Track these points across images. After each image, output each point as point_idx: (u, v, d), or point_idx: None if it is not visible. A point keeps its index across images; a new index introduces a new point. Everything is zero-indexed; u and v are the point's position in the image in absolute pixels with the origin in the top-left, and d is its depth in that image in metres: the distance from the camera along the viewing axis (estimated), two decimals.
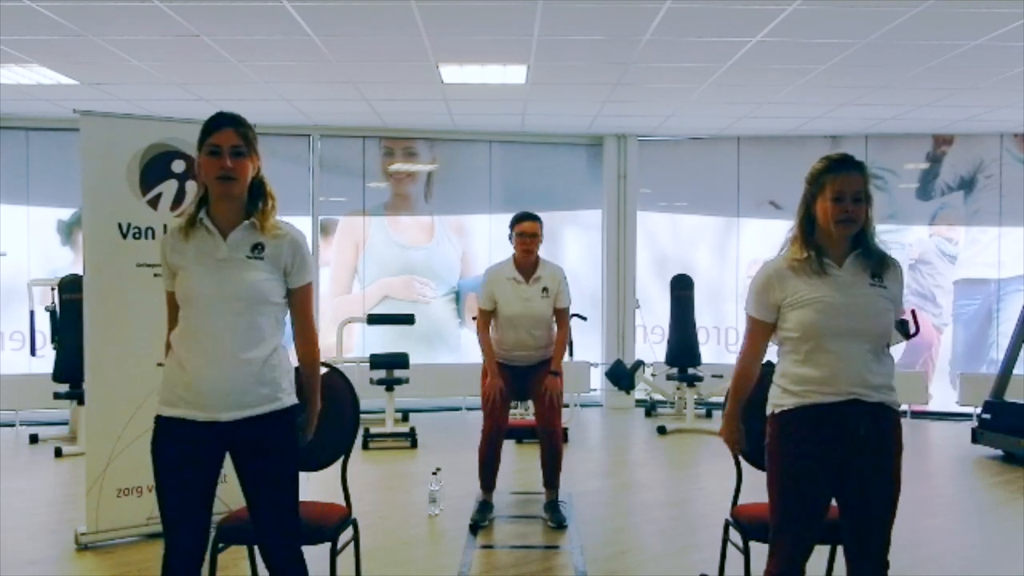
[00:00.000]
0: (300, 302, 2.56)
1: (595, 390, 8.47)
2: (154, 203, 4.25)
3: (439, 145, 8.62)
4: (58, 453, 6.23)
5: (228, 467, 2.51)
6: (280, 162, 8.13)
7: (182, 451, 2.41)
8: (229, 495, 2.68)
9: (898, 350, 2.52)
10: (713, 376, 7.72)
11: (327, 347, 7.95)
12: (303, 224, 8.28)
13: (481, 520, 4.48)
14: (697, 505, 5.11)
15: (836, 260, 2.49)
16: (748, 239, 8.73)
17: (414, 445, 6.66)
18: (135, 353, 4.08)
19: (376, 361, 7.04)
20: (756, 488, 2.84)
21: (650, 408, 8.17)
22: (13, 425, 7.26)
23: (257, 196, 2.50)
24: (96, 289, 4.11)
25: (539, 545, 4.25)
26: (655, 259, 8.90)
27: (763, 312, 2.57)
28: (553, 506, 4.56)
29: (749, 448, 2.83)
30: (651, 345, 8.53)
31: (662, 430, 7.26)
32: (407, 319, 7.37)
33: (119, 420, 4.11)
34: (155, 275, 4.19)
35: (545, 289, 4.45)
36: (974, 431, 6.42)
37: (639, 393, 8.30)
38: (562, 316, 4.54)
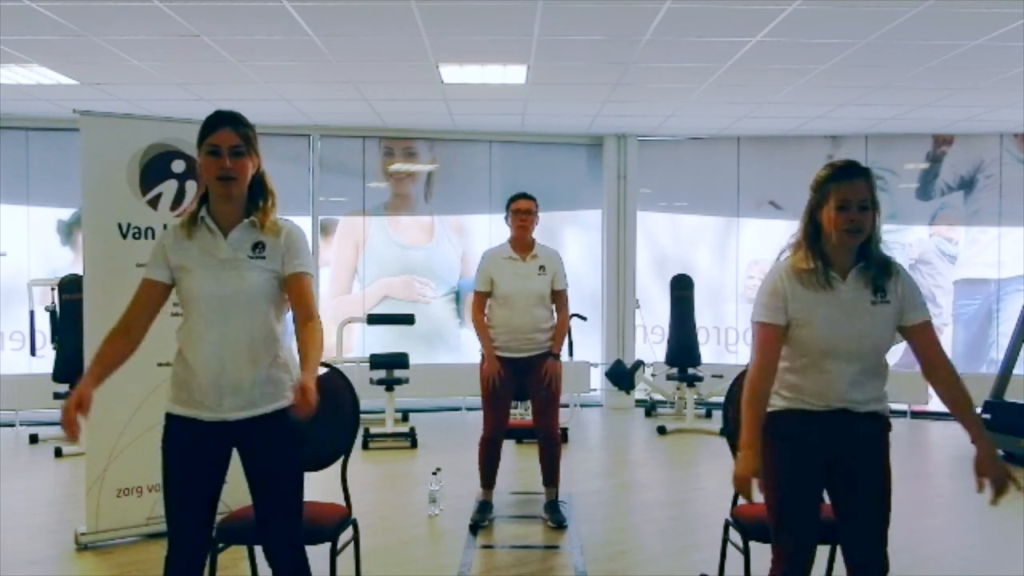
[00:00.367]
0: (296, 290, 2.45)
1: (595, 390, 8.47)
2: (154, 203, 4.25)
3: (439, 145, 8.63)
4: (58, 453, 6.23)
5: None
6: (280, 162, 8.13)
7: (190, 448, 2.45)
8: (229, 495, 2.69)
9: (898, 350, 2.49)
10: (713, 376, 7.72)
11: (327, 347, 7.94)
12: (303, 224, 8.24)
13: (481, 520, 4.48)
14: (697, 505, 5.11)
15: (841, 271, 2.45)
16: (748, 239, 8.74)
17: (414, 445, 6.66)
18: (135, 353, 4.07)
19: (376, 361, 7.04)
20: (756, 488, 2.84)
21: (650, 408, 8.17)
22: (13, 425, 7.26)
23: (257, 194, 2.50)
24: (96, 289, 4.11)
25: (539, 545, 4.25)
26: (655, 259, 8.90)
27: (775, 315, 2.46)
28: (553, 506, 4.56)
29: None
30: (651, 345, 8.54)
31: (662, 430, 7.26)
32: (407, 319, 7.37)
33: (119, 420, 4.11)
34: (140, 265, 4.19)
35: (542, 267, 4.44)
36: None
37: (639, 393, 8.30)
38: (560, 299, 4.52)
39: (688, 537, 4.44)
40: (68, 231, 7.93)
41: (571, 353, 7.10)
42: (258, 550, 3.27)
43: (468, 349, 8.18)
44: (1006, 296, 8.39)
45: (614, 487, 5.61)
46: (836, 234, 2.41)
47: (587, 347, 8.31)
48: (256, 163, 2.50)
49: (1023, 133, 8.17)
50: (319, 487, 3.49)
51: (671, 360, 7.80)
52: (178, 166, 4.29)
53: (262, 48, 5.24)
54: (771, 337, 2.47)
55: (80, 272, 4.43)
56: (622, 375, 7.47)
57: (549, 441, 4.54)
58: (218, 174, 2.40)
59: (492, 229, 8.62)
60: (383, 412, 6.93)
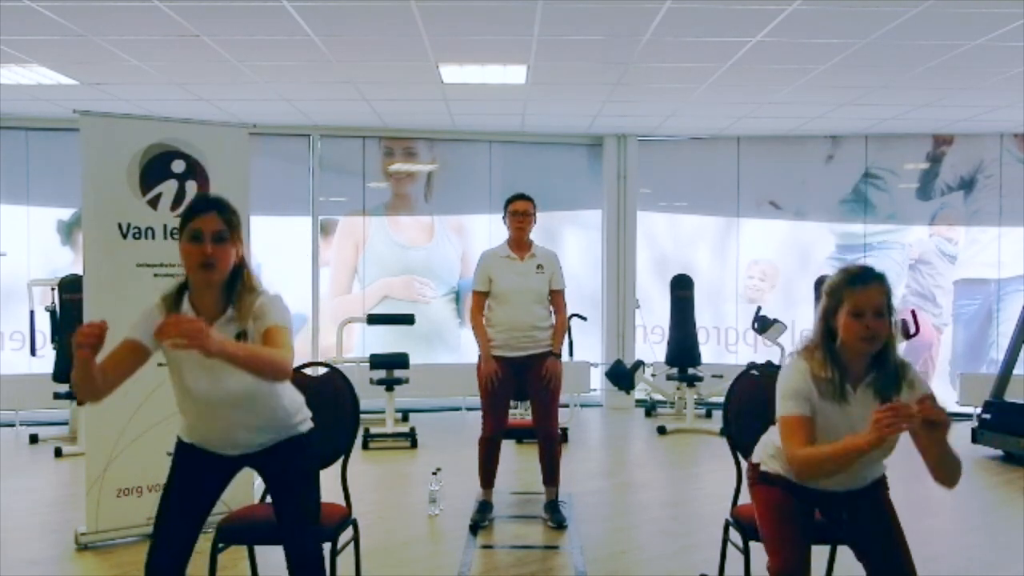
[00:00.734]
0: (266, 341, 2.37)
1: (595, 390, 8.47)
2: (154, 203, 4.25)
3: (439, 145, 8.63)
4: (58, 453, 6.23)
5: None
6: (280, 162, 8.13)
7: (197, 467, 2.56)
8: (229, 495, 2.70)
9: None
10: (713, 376, 7.73)
11: (327, 347, 7.95)
12: (303, 224, 8.29)
13: (481, 520, 4.48)
14: (697, 505, 5.11)
15: (854, 380, 2.42)
16: (748, 239, 8.74)
17: (414, 445, 6.66)
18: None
19: (376, 361, 7.04)
20: None
21: (650, 408, 8.17)
22: (13, 425, 7.26)
23: (237, 279, 2.45)
24: (96, 289, 4.11)
25: (539, 545, 4.25)
26: (655, 259, 8.90)
27: (803, 407, 2.40)
28: (553, 506, 4.56)
29: (748, 448, 2.83)
30: (651, 345, 8.54)
31: (662, 430, 7.26)
32: (407, 319, 7.37)
33: (119, 420, 4.12)
34: (155, 275, 4.21)
35: (540, 266, 4.47)
36: (974, 431, 6.42)
37: (639, 393, 8.29)
38: (558, 299, 4.54)
39: (688, 537, 4.44)
40: (68, 231, 7.93)
41: (571, 353, 7.11)
42: (258, 550, 3.27)
43: (468, 349, 8.18)
44: (1006, 296, 8.39)
45: (614, 487, 5.61)
46: (852, 342, 2.37)
47: (587, 347, 8.31)
48: (239, 249, 2.44)
49: (1023, 133, 8.17)
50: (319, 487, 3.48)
51: (671, 360, 7.81)
52: (178, 166, 4.29)
53: (262, 48, 5.24)
54: (804, 427, 2.40)
55: (80, 272, 4.43)
56: (622, 375, 7.47)
57: (549, 441, 4.54)
58: (199, 261, 2.35)
59: (492, 229, 8.62)
60: (383, 412, 6.93)
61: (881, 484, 2.59)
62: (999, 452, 6.26)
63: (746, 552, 2.94)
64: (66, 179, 7.44)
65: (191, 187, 4.29)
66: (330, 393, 3.12)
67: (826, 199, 8.48)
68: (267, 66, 5.70)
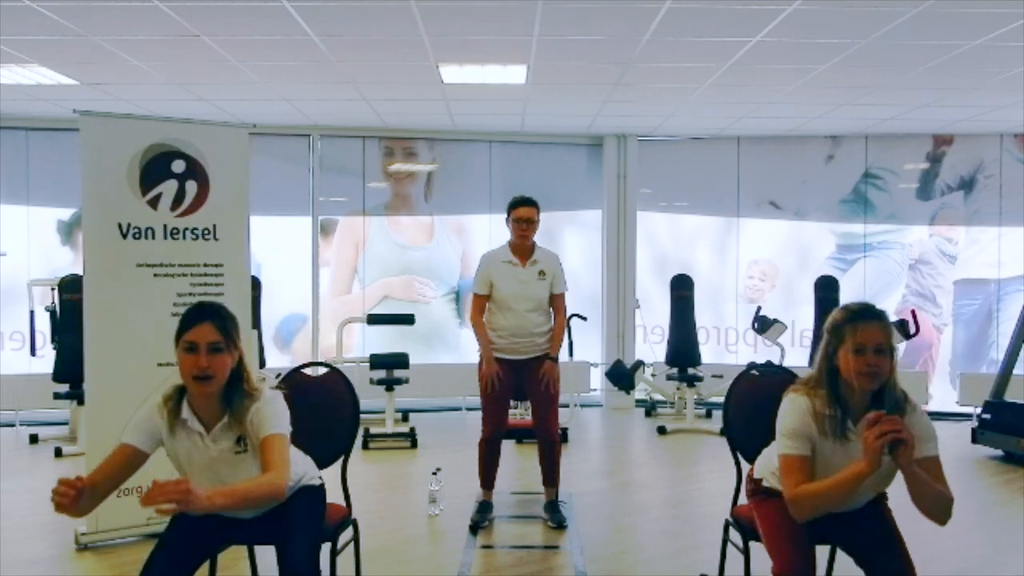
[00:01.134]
0: (263, 451, 2.40)
1: (595, 390, 8.48)
2: (154, 203, 4.25)
3: (439, 145, 8.63)
4: (58, 453, 6.23)
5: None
6: (280, 162, 8.13)
7: (191, 523, 2.49)
8: None
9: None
10: (713, 376, 7.73)
11: (327, 347, 7.95)
12: (303, 224, 8.29)
13: (481, 520, 4.48)
14: (697, 505, 5.11)
15: (855, 418, 2.44)
16: (748, 239, 8.74)
17: (414, 445, 6.66)
18: (135, 353, 4.09)
19: (376, 361, 7.04)
20: None
21: (650, 408, 8.17)
22: (13, 425, 7.26)
23: (235, 385, 2.45)
24: (96, 289, 4.11)
25: (539, 545, 4.25)
26: (655, 259, 8.90)
27: (803, 447, 2.44)
28: (553, 506, 4.56)
29: (748, 447, 2.83)
30: (651, 345, 8.54)
31: (662, 430, 7.26)
32: (407, 319, 7.37)
33: (119, 420, 4.08)
34: (155, 275, 4.21)
35: (542, 272, 4.44)
36: (974, 431, 6.42)
37: (639, 393, 8.30)
38: (558, 302, 4.52)
39: (688, 537, 4.44)
40: (68, 231, 7.93)
41: (571, 353, 7.11)
42: (258, 550, 3.27)
43: (468, 349, 8.18)
44: (1006, 296, 8.40)
45: (614, 487, 5.61)
46: (854, 377, 2.39)
47: (587, 347, 8.31)
48: (236, 356, 2.44)
49: (1023, 133, 8.16)
50: None
51: (671, 360, 7.81)
52: (178, 166, 4.29)
53: (262, 48, 5.24)
54: (802, 465, 2.44)
55: (80, 272, 4.43)
56: (622, 375, 7.47)
57: (548, 443, 4.54)
58: (195, 374, 2.36)
59: (492, 229, 8.63)
60: (383, 412, 6.94)
61: (880, 496, 2.62)
62: (999, 452, 6.26)
63: (746, 552, 2.94)
64: (66, 179, 7.44)
65: (191, 187, 4.29)
66: (330, 393, 3.12)
67: (826, 199, 8.48)
68: (267, 66, 5.70)
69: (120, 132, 4.20)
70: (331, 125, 8.15)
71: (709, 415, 7.99)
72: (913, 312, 7.17)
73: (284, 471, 2.36)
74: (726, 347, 8.80)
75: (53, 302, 6.74)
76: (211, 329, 2.36)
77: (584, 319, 7.65)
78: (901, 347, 2.52)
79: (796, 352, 8.14)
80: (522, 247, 4.46)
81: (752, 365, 3.42)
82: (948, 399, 8.13)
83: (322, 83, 6.24)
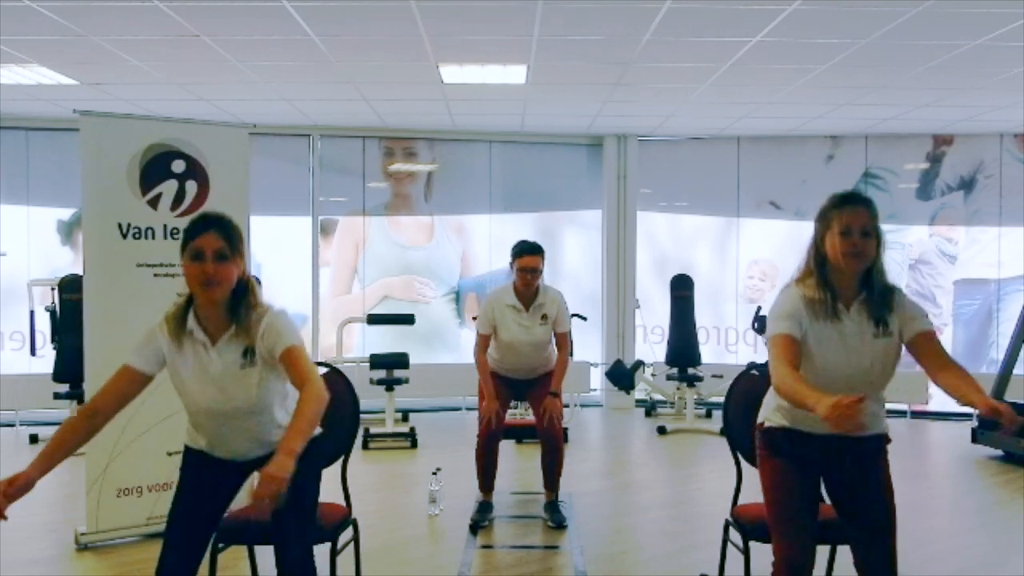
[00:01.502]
0: (287, 366, 2.41)
1: (595, 390, 8.48)
2: (154, 203, 4.25)
3: (439, 145, 8.63)
4: None
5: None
6: (280, 162, 8.13)
7: (205, 473, 2.58)
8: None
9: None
10: (713, 376, 7.73)
11: (327, 347, 7.96)
12: (303, 224, 8.29)
13: (481, 520, 4.48)
14: (697, 505, 5.11)
15: (846, 301, 2.49)
16: (748, 239, 8.74)
17: (414, 445, 6.66)
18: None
19: (376, 361, 7.04)
20: (756, 488, 2.84)
21: (650, 408, 8.17)
22: (13, 425, 7.26)
23: (242, 296, 2.45)
24: (96, 289, 4.11)
25: (539, 545, 4.25)
26: (655, 259, 8.90)
27: (793, 328, 2.45)
28: (553, 506, 4.56)
29: (748, 448, 2.83)
30: (651, 345, 8.54)
31: (662, 430, 7.26)
32: (407, 319, 7.37)
33: (119, 420, 4.07)
34: (155, 275, 4.21)
35: (544, 316, 4.47)
36: (974, 431, 6.42)
37: (639, 393, 8.30)
38: (562, 340, 4.56)
39: (688, 537, 4.44)
40: (68, 231, 7.93)
41: (571, 353, 7.10)
42: (258, 550, 3.28)
43: (468, 349, 8.17)
44: (1006, 296, 8.40)
45: (614, 487, 5.61)
46: (840, 259, 2.44)
47: (587, 347, 8.31)
48: (241, 266, 2.45)
49: (1023, 133, 8.16)
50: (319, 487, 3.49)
51: (671, 360, 7.81)
52: (178, 166, 4.29)
53: (262, 48, 5.24)
54: (792, 346, 2.43)
55: (80, 272, 4.43)
56: (622, 375, 7.47)
57: (553, 446, 4.52)
58: (201, 280, 2.37)
59: (492, 229, 8.64)
60: (383, 412, 6.93)
61: (882, 447, 2.57)
62: (999, 452, 6.26)
63: (746, 552, 2.95)
64: (66, 179, 7.44)
65: (191, 187, 4.29)
66: (330, 393, 3.11)
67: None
68: (267, 66, 5.70)
69: (120, 132, 4.20)
70: (331, 125, 8.15)
71: (709, 415, 7.99)
72: None
73: (317, 378, 2.39)
74: (726, 347, 8.80)
75: (53, 302, 6.74)
76: (216, 237, 2.37)
77: (584, 319, 7.65)
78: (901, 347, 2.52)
79: None
80: (526, 292, 4.47)
81: (752, 365, 3.42)
82: (948, 399, 8.09)
83: (322, 83, 6.24)
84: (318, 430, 2.62)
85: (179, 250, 2.42)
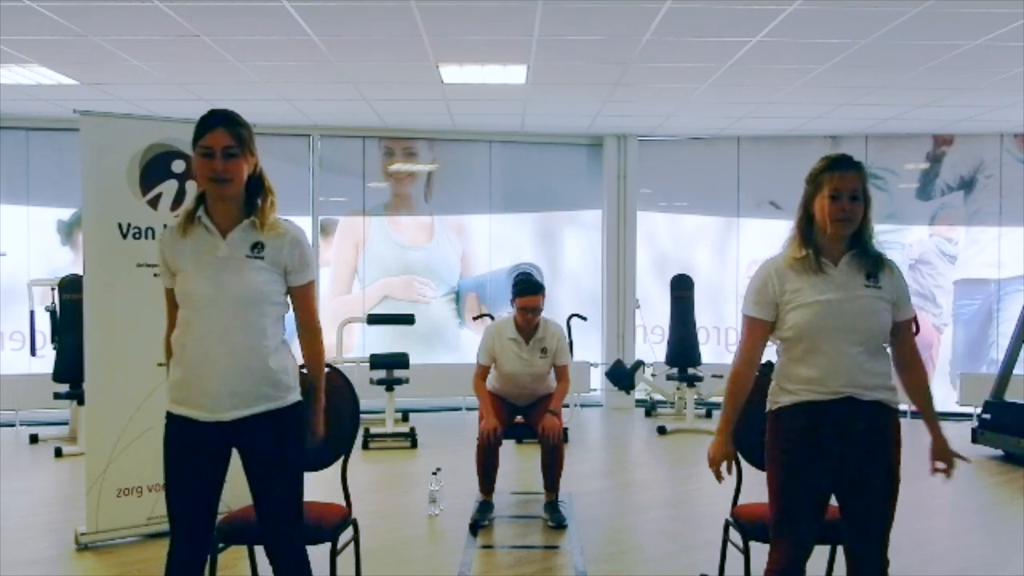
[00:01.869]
0: (302, 301, 2.55)
1: (595, 390, 8.47)
2: (154, 203, 4.25)
3: (439, 145, 8.63)
4: (58, 453, 6.23)
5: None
6: (280, 162, 8.12)
7: (189, 449, 2.45)
8: (229, 495, 2.69)
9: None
10: (713, 376, 7.72)
11: (327, 347, 7.93)
12: (303, 224, 8.25)
13: (481, 520, 4.48)
14: (697, 505, 5.11)
15: (833, 259, 2.50)
16: (748, 239, 8.73)
17: (414, 445, 6.66)
18: (135, 353, 4.08)
19: (376, 361, 7.04)
20: (756, 488, 2.85)
21: (650, 408, 8.17)
22: (13, 425, 7.26)
23: (256, 192, 2.48)
24: (96, 289, 4.11)
25: (539, 545, 4.25)
26: (655, 259, 8.90)
27: (762, 310, 2.55)
28: (553, 506, 4.56)
29: (749, 448, 2.83)
30: (651, 345, 8.53)
31: (662, 430, 7.26)
32: (407, 319, 7.37)
33: (119, 420, 4.11)
34: (155, 275, 4.19)
35: (544, 350, 4.59)
36: (974, 431, 6.42)
37: (639, 393, 8.29)
38: (562, 372, 4.66)
39: (688, 537, 4.44)
40: (68, 231, 7.93)
41: (571, 353, 7.10)
42: (258, 550, 3.27)
43: (468, 349, 8.18)
44: (1006, 296, 8.39)
45: (614, 487, 5.61)
46: (828, 223, 2.46)
47: (587, 347, 8.31)
48: (252, 163, 2.46)
49: (1023, 133, 8.16)
50: (319, 487, 3.49)
51: (671, 360, 7.80)
52: (178, 166, 4.28)
53: (262, 48, 5.24)
54: (757, 331, 2.57)
55: (80, 272, 4.43)
56: (622, 375, 7.47)
57: (553, 447, 4.52)
58: (210, 175, 2.38)
59: (492, 229, 8.64)
60: (383, 412, 6.93)
61: (891, 422, 2.53)
62: (999, 452, 6.26)
63: (746, 552, 2.95)
64: (66, 179, 7.43)
65: (191, 187, 4.28)
66: (330, 393, 3.11)
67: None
68: (267, 66, 5.70)
69: (120, 132, 4.20)
70: (331, 125, 8.15)
71: (709, 415, 7.98)
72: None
73: (318, 319, 2.64)
74: (726, 347, 8.79)
75: (53, 302, 6.74)
76: (225, 134, 2.38)
77: (584, 319, 7.66)
78: None
79: None
80: (526, 328, 4.59)
81: None
82: (948, 399, 8.12)
83: (322, 83, 6.24)
84: (297, 396, 2.57)
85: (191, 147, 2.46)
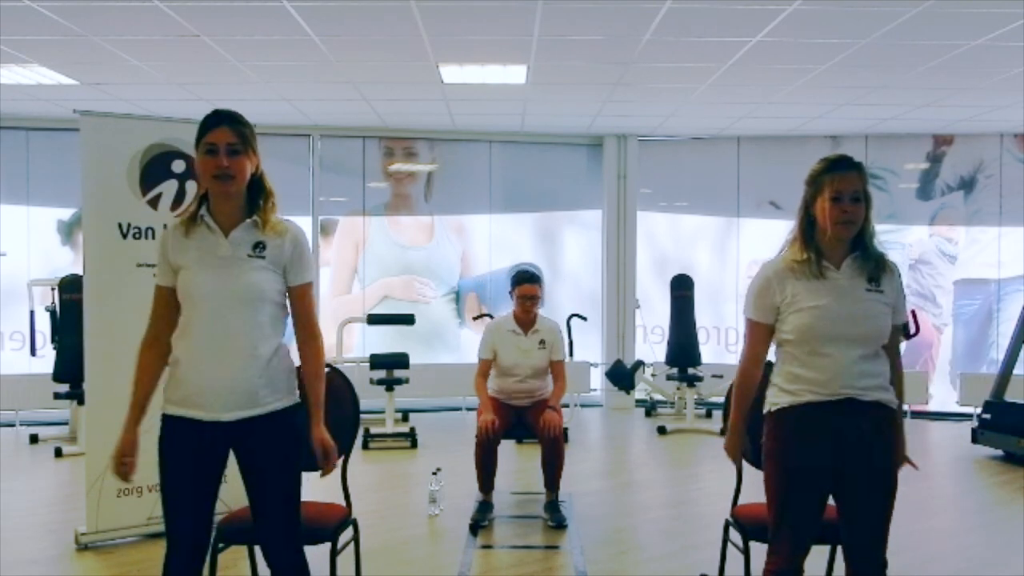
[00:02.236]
0: (299, 301, 2.54)
1: (595, 390, 8.47)
2: (154, 203, 4.25)
3: (439, 145, 8.63)
4: (58, 453, 6.23)
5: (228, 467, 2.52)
6: (280, 162, 8.12)
7: (186, 449, 2.43)
8: (229, 495, 2.69)
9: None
10: (713, 376, 7.73)
11: (327, 347, 7.93)
12: (303, 224, 8.25)
13: (481, 520, 4.49)
14: (697, 505, 5.11)
15: (835, 262, 2.49)
16: (748, 239, 8.74)
17: (414, 445, 6.66)
18: (135, 353, 4.07)
19: (376, 361, 7.04)
20: (756, 488, 2.84)
21: (650, 408, 8.17)
22: (13, 425, 7.26)
23: (257, 193, 2.49)
24: (96, 289, 4.11)
25: (539, 545, 4.25)
26: (655, 259, 8.90)
27: (763, 314, 2.56)
28: (553, 506, 4.56)
29: (751, 450, 2.83)
30: (651, 345, 8.53)
31: (662, 430, 7.26)
32: (407, 319, 7.37)
33: (119, 420, 4.07)
34: (155, 275, 4.19)
35: (542, 342, 4.71)
36: (974, 431, 6.42)
37: (639, 393, 8.30)
38: (557, 368, 4.74)
39: (688, 537, 4.44)
40: (68, 231, 7.93)
41: (571, 353, 7.11)
42: (258, 550, 3.27)
43: (468, 349, 8.19)
44: (1006, 296, 8.39)
45: (614, 487, 5.61)
46: (830, 226, 2.45)
47: (587, 347, 8.31)
48: (255, 162, 2.48)
49: (1023, 133, 8.16)
50: (319, 487, 3.49)
51: (671, 360, 7.80)
52: (178, 166, 4.29)
53: (262, 48, 5.24)
54: (758, 333, 2.60)
55: (80, 272, 4.43)
56: (622, 375, 7.47)
57: (554, 446, 4.53)
58: (215, 172, 2.38)
59: (492, 229, 8.64)
60: (383, 412, 6.93)
61: (891, 422, 2.52)
62: (999, 452, 6.26)
63: (746, 552, 2.95)
64: (66, 179, 7.43)
65: (191, 187, 4.28)
66: (330, 393, 3.11)
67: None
68: (267, 66, 5.70)
69: (120, 132, 4.20)
70: (331, 125, 8.15)
71: (709, 415, 7.99)
72: (913, 312, 7.16)
73: (316, 322, 2.61)
74: (726, 347, 8.80)
75: (53, 302, 6.75)
76: (228, 132, 2.40)
77: (584, 319, 7.66)
78: (901, 347, 2.51)
79: None
80: (525, 319, 4.71)
81: None
82: (948, 399, 8.13)
83: (322, 83, 6.24)
84: (295, 398, 2.56)
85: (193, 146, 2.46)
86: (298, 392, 2.56)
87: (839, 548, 2.83)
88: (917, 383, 7.79)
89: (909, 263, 8.54)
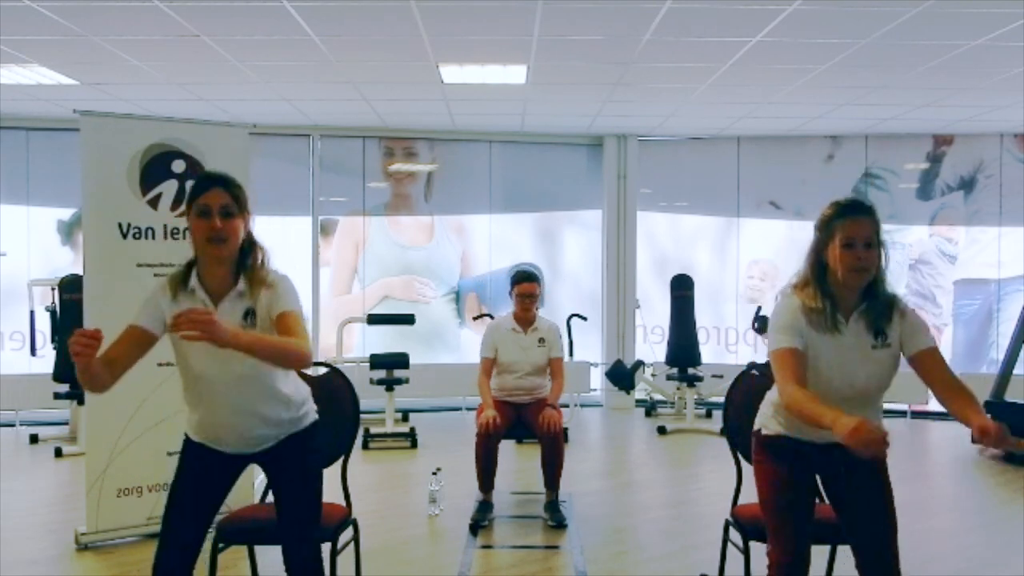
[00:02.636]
0: (281, 327, 2.38)
1: (595, 390, 8.48)
2: (154, 203, 4.25)
3: (439, 145, 8.63)
4: (58, 453, 6.23)
5: None
6: (280, 162, 8.13)
7: (206, 466, 2.55)
8: (230, 495, 2.70)
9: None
10: (713, 376, 7.73)
11: (327, 347, 7.95)
12: (303, 224, 8.29)
13: (481, 520, 4.49)
14: (697, 505, 5.11)
15: (846, 312, 2.44)
16: (748, 239, 8.74)
17: (414, 445, 6.66)
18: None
19: (376, 361, 7.04)
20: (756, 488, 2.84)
21: (650, 408, 8.17)
22: (13, 425, 7.26)
23: (247, 255, 2.46)
24: (96, 289, 4.11)
25: (539, 545, 4.25)
26: (655, 259, 8.90)
27: (794, 340, 2.41)
28: (553, 506, 4.56)
29: (748, 447, 2.83)
30: (651, 345, 8.54)
31: (662, 430, 7.26)
32: (407, 319, 7.37)
33: (119, 420, 4.12)
34: (155, 275, 4.20)
35: (541, 339, 4.78)
36: None
37: (639, 393, 8.30)
38: (555, 365, 4.79)
39: (688, 537, 4.44)
40: (68, 231, 7.93)
41: (571, 353, 7.11)
42: (258, 550, 3.28)
43: (468, 349, 8.19)
44: (1006, 296, 8.40)
45: (614, 487, 5.61)
46: (843, 273, 2.39)
47: (587, 347, 8.31)
48: (247, 223, 2.46)
49: (1023, 133, 8.17)
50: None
51: (671, 360, 7.81)
52: (178, 166, 4.29)
53: (262, 48, 5.24)
54: (794, 357, 2.39)
55: (80, 272, 4.43)
56: (622, 375, 7.47)
57: (554, 445, 4.53)
58: (208, 235, 2.36)
59: (492, 229, 8.64)
60: (383, 412, 6.93)
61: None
62: (999, 452, 6.26)
63: (746, 552, 2.95)
64: (66, 179, 7.44)
65: (191, 187, 4.28)
66: (330, 393, 3.12)
67: (826, 199, 8.37)
68: (267, 66, 5.70)
69: (120, 132, 4.20)
70: (331, 125, 8.15)
71: (709, 415, 7.99)
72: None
73: (306, 342, 2.37)
74: (726, 347, 8.80)
75: (53, 302, 6.75)
76: (222, 193, 2.40)
77: (584, 319, 7.66)
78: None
79: None
80: (525, 318, 4.79)
81: (752, 365, 3.42)
82: None
83: (322, 83, 6.24)
84: (314, 417, 2.64)
85: (185, 209, 2.46)
86: (315, 408, 2.67)
87: (840, 548, 2.84)
88: (917, 383, 7.75)
89: (909, 263, 8.55)
